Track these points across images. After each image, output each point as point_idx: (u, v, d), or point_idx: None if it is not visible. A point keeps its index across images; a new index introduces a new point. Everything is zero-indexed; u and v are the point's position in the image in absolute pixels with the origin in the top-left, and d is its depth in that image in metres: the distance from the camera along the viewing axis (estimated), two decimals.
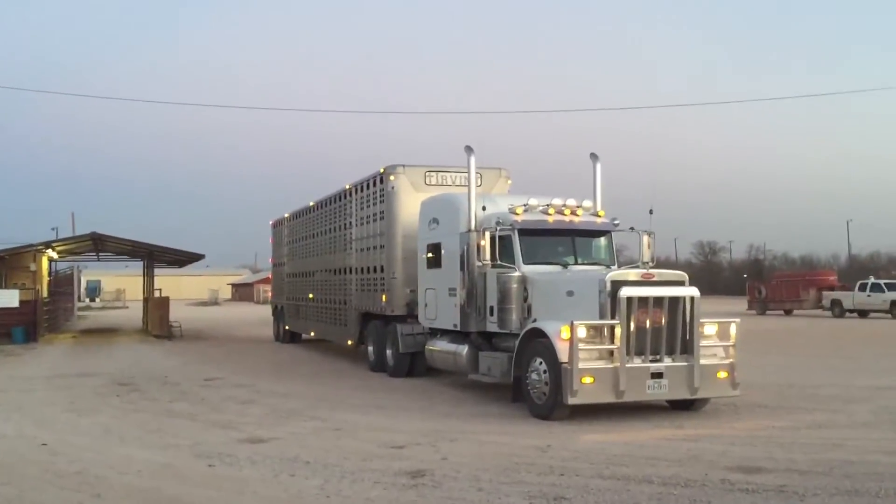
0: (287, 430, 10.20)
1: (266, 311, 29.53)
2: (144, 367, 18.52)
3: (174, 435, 9.90)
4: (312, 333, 22.80)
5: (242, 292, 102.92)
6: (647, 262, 12.72)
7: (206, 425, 10.66)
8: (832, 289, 45.01)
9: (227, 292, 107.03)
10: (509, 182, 16.83)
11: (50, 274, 35.85)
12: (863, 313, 41.36)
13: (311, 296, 22.35)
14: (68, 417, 11.39)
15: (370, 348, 17.32)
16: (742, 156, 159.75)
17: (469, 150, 13.24)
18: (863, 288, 42.00)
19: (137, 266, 39.93)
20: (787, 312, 46.77)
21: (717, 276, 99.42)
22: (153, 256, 32.50)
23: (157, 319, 28.86)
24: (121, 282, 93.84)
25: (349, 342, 18.87)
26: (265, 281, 78.88)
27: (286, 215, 25.88)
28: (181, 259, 34.53)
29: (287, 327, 25.56)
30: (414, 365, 15.61)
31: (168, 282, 75.97)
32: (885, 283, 42.10)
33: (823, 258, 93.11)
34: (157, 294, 30.87)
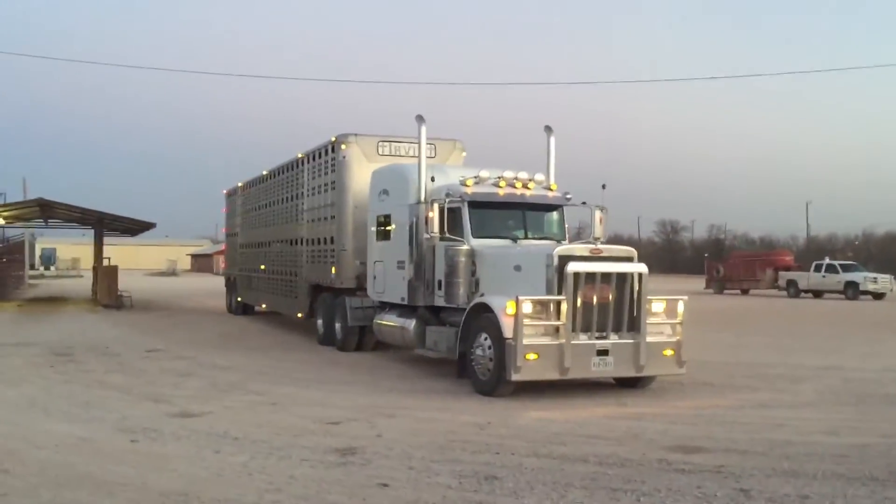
0: (222, 404, 9.86)
1: (223, 283, 28.93)
2: (86, 338, 17.98)
3: (102, 408, 9.50)
4: (264, 305, 22.36)
5: (202, 263, 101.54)
6: (599, 238, 12.51)
7: (137, 398, 10.26)
8: (788, 269, 45.56)
9: (186, 263, 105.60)
10: (464, 154, 16.53)
11: None
12: (817, 293, 41.97)
13: (262, 267, 21.90)
14: None
15: (319, 321, 16.97)
16: (706, 135, 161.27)
17: (420, 119, 12.87)
18: (818, 269, 42.59)
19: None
20: (744, 292, 47.32)
21: (678, 254, 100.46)
22: (103, 224, 31.60)
23: (106, 289, 28.15)
24: (76, 250, 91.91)
25: (299, 315, 18.51)
26: (224, 252, 77.83)
27: (240, 184, 25.29)
28: (133, 227, 33.69)
29: (239, 299, 25.06)
30: (363, 339, 15.32)
31: (126, 251, 75.10)
32: (839, 265, 42.75)
33: (782, 239, 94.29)
34: (105, 262, 30.08)
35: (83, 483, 6.26)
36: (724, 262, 52.21)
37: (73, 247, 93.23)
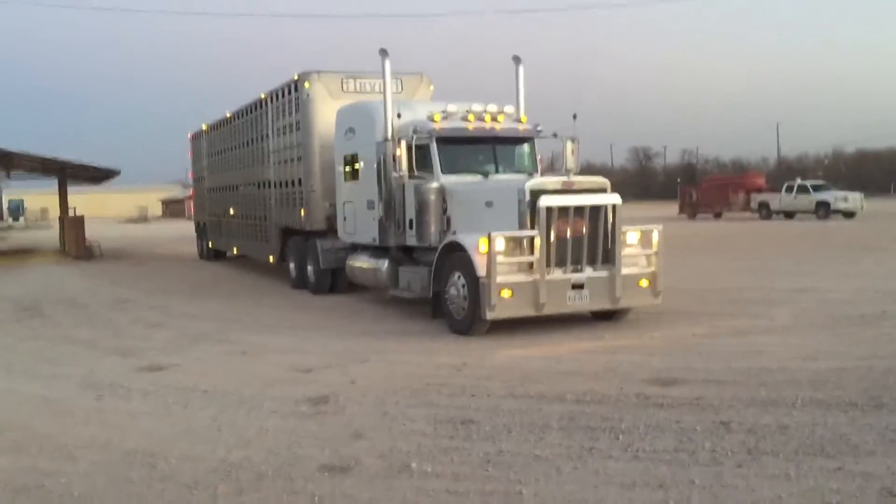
0: (191, 355, 9.65)
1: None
2: (54, 290, 17.61)
3: (68, 364, 9.27)
4: (235, 250, 22.01)
5: (173, 209, 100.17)
6: (571, 170, 12.24)
7: (105, 352, 10.01)
8: (760, 191, 45.63)
9: (158, 209, 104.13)
10: (432, 88, 16.08)
11: None
12: (789, 214, 42.16)
13: (231, 211, 21.46)
14: None
15: (291, 265, 16.70)
16: (675, 61, 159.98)
17: (384, 53, 12.38)
18: (789, 190, 42.67)
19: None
20: (717, 216, 47.51)
21: (651, 181, 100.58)
22: (66, 173, 30.80)
23: (74, 239, 27.57)
24: (45, 200, 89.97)
25: (271, 259, 18.22)
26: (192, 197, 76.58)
27: (204, 127, 24.58)
28: (98, 175, 32.89)
29: (210, 244, 24.66)
30: (336, 281, 15.08)
31: (95, 199, 73.84)
32: (810, 185, 42.83)
33: (754, 161, 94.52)
34: (71, 212, 29.39)
35: (43, 447, 6.04)
36: (696, 187, 52.26)
37: (42, 196, 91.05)
